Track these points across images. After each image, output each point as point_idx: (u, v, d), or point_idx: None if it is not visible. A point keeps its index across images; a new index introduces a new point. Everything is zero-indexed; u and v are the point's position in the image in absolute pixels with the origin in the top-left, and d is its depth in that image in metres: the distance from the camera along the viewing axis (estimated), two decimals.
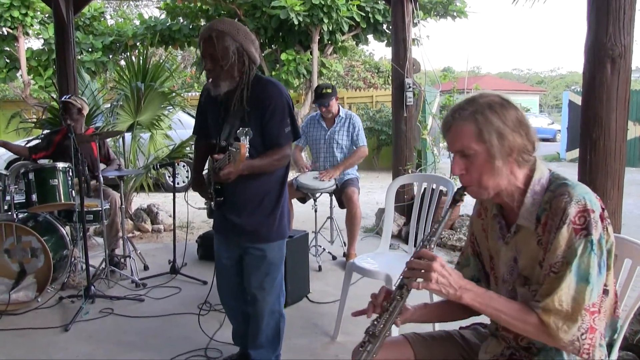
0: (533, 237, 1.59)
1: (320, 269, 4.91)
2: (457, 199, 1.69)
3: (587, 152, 2.84)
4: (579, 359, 1.52)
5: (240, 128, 2.38)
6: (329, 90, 5.15)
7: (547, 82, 61.76)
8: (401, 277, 1.63)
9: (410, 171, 6.11)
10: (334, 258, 5.28)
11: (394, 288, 1.67)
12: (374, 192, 9.82)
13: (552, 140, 25.48)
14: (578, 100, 14.88)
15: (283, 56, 11.89)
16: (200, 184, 2.85)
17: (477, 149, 1.56)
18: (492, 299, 1.55)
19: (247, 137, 2.35)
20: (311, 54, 12.06)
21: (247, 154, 2.29)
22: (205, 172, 2.92)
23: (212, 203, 2.74)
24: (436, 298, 2.09)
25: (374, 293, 1.74)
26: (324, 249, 5.26)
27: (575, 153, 15.36)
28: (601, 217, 1.49)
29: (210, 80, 2.56)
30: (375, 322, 1.64)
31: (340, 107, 5.29)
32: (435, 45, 40.55)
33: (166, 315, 3.90)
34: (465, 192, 1.66)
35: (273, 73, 12.13)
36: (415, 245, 3.56)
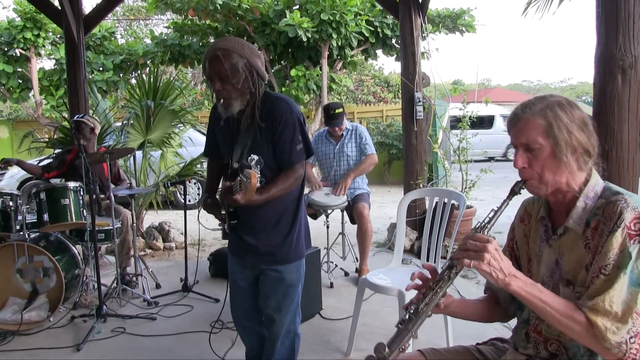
0: (580, 241, 1.60)
1: (332, 285, 4.88)
2: (515, 190, 1.68)
3: (601, 163, 2.80)
4: None
5: (252, 155, 2.34)
6: (340, 110, 5.14)
7: (558, 92, 61.50)
8: (451, 258, 1.62)
9: (421, 185, 6.09)
10: (347, 274, 5.25)
11: (440, 270, 1.67)
12: (386, 206, 9.80)
13: None
14: (589, 110, 14.77)
15: (293, 72, 11.93)
16: (213, 206, 2.73)
17: (543, 143, 1.58)
18: (540, 290, 1.54)
19: (259, 166, 2.31)
20: (320, 69, 12.09)
21: (259, 183, 2.25)
22: (218, 193, 2.85)
23: (226, 225, 2.68)
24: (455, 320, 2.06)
25: (419, 272, 1.74)
26: (336, 265, 5.23)
27: None
28: None
29: (222, 101, 2.47)
30: (419, 301, 1.63)
31: (346, 120, 5.28)
32: (445, 58, 40.58)
33: (178, 334, 3.88)
34: (524, 186, 1.66)
35: (283, 89, 12.17)
36: (427, 260, 3.53)
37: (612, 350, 1.46)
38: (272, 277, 2.65)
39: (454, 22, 12.54)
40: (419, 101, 6.04)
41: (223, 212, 2.63)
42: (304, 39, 10.90)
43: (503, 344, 1.91)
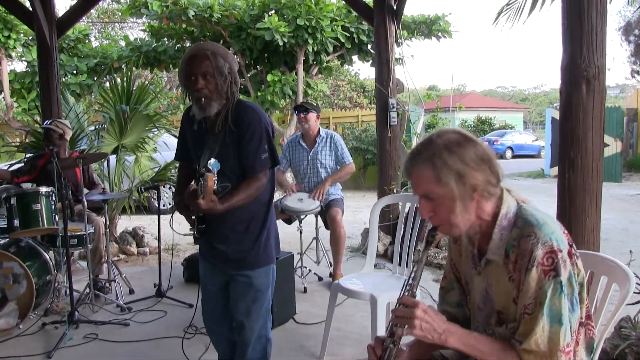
0: (504, 273, 1.63)
1: (305, 290, 4.90)
2: (429, 240, 1.72)
3: (566, 171, 2.88)
4: None
5: (211, 160, 2.40)
6: (308, 105, 5.25)
7: (531, 99, 62.52)
8: (390, 323, 1.65)
9: (395, 190, 6.15)
10: (320, 279, 5.28)
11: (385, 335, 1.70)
12: (361, 211, 9.84)
13: (536, 157, 25.76)
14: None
15: (269, 77, 11.94)
16: (185, 208, 2.73)
17: (439, 192, 1.57)
18: (477, 340, 1.60)
19: (216, 169, 2.37)
20: (296, 74, 12.13)
21: (215, 186, 2.31)
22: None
23: (195, 230, 2.69)
24: None
25: (369, 344, 1.75)
26: (310, 270, 5.26)
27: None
28: (569, 254, 1.53)
29: (202, 100, 2.48)
30: None
31: (320, 127, 5.33)
32: (420, 64, 40.94)
33: (151, 340, 3.86)
34: (437, 232, 1.69)
35: (259, 94, 12.17)
36: (400, 264, 3.58)
37: None
38: (242, 283, 2.67)
39: (429, 28, 12.65)
40: (393, 107, 6.11)
41: (193, 216, 2.64)
42: (280, 44, 10.91)
43: None
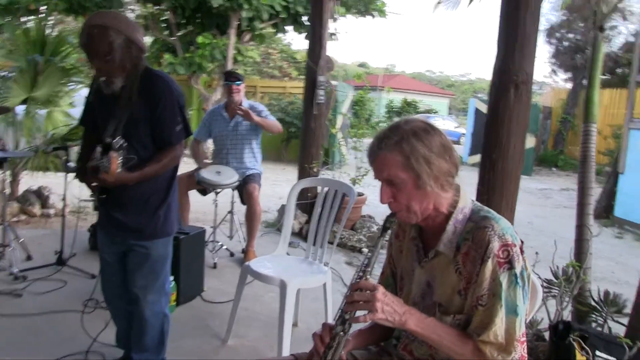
0: (451, 265, 1.63)
1: (215, 265, 4.79)
2: (387, 226, 1.69)
3: (486, 172, 2.91)
4: None
5: (117, 139, 2.31)
6: (239, 73, 5.10)
7: (457, 86, 64.17)
8: (340, 310, 1.62)
9: (315, 169, 6.10)
10: (232, 255, 5.17)
11: (334, 322, 1.65)
12: (279, 184, 9.76)
13: (456, 143, 26.44)
14: (483, 108, 15.53)
15: (199, 39, 11.56)
16: (86, 175, 2.58)
17: (404, 177, 1.57)
18: (435, 324, 1.58)
19: (122, 151, 2.30)
20: (228, 39, 11.79)
21: (119, 169, 2.29)
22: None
23: (96, 199, 2.59)
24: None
25: (316, 333, 1.70)
26: (222, 245, 5.12)
27: (477, 158, 16.01)
28: (521, 250, 1.56)
29: (104, 79, 2.41)
30: None
31: (245, 98, 5.17)
32: (353, 41, 41.01)
33: (47, 313, 3.61)
34: (395, 219, 1.67)
35: (187, 55, 11.77)
36: (314, 244, 3.53)
37: None
38: (139, 253, 2.63)
39: (366, 6, 12.62)
40: (321, 85, 6.03)
41: (93, 184, 2.52)
42: (215, 5, 10.54)
43: (376, 347, 1.93)
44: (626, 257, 6.67)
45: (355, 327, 1.67)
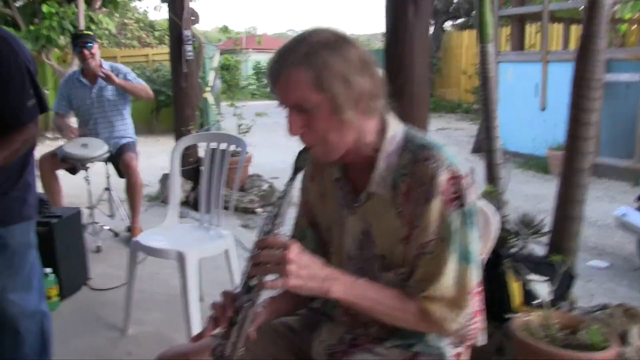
0: (390, 208, 1.33)
1: (99, 249, 4.28)
2: (299, 165, 1.34)
3: (394, 100, 2.67)
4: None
5: None
6: (90, 32, 4.47)
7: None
8: (244, 277, 1.26)
9: (194, 132, 5.66)
10: (116, 235, 4.67)
11: (237, 290, 1.29)
12: (155, 156, 9.11)
13: None
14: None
15: (44, 8, 10.36)
16: None
17: (317, 101, 1.23)
18: (367, 287, 1.28)
19: None
20: (77, 6, 10.70)
21: None
22: None
23: None
24: None
25: (215, 302, 1.32)
26: (103, 226, 4.60)
27: None
28: (470, 181, 1.29)
29: None
30: (223, 341, 1.25)
31: (102, 60, 4.58)
32: (210, 4, 39.68)
33: None
34: (308, 155, 1.33)
35: (32, 28, 10.59)
36: (207, 212, 3.17)
37: (451, 336, 1.32)
38: None
39: None
40: (189, 40, 5.54)
41: None
42: None
43: (314, 313, 1.61)
44: (512, 185, 6.90)
45: (267, 295, 1.35)
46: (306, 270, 1.20)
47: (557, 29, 10.85)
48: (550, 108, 8.02)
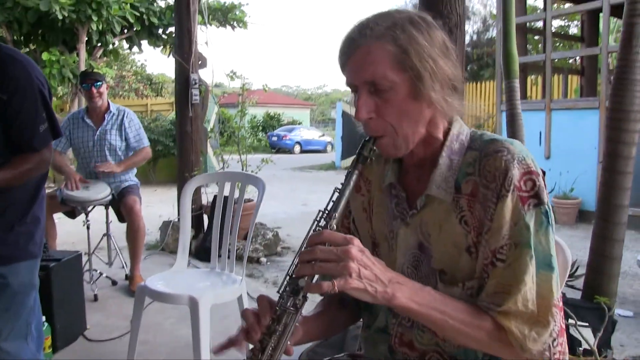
0: (451, 214, 1.13)
1: (96, 298, 3.99)
2: (365, 155, 1.13)
3: None
4: None
5: None
6: (100, 72, 4.33)
7: (314, 98, 65.45)
8: (289, 277, 1.06)
9: None
10: (114, 283, 4.39)
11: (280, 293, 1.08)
12: (153, 205, 8.86)
13: (323, 152, 26.73)
14: (351, 110, 15.61)
15: (44, 56, 10.29)
16: None
17: (396, 80, 1.06)
18: (436, 296, 1.07)
19: None
20: (78, 55, 10.67)
21: None
22: None
23: None
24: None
25: (247, 310, 1.12)
26: (101, 274, 4.30)
27: (349, 162, 16.01)
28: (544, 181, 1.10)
29: None
30: (258, 354, 1.04)
31: (110, 102, 4.42)
32: (210, 57, 40.24)
33: None
34: (376, 147, 1.13)
35: None
36: (219, 260, 2.94)
37: (533, 359, 1.05)
38: None
39: (224, 16, 12.09)
40: (195, 84, 5.41)
41: None
42: (59, 17, 9.39)
43: (347, 356, 1.40)
44: None
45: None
46: (369, 271, 1.01)
47: (555, 80, 10.98)
48: (554, 156, 7.93)
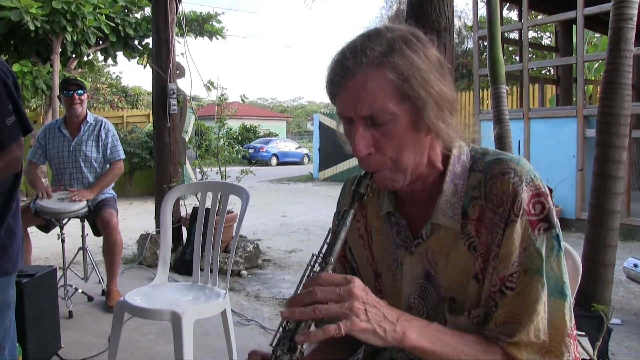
0: (458, 241, 1.06)
1: (71, 315, 3.83)
2: (361, 192, 1.06)
3: None
4: None
5: None
6: (83, 81, 4.21)
7: (289, 111, 65.58)
8: (283, 330, 0.97)
9: None
10: (91, 299, 4.23)
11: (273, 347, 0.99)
12: (130, 218, 8.72)
13: (300, 164, 26.66)
14: (328, 122, 15.59)
15: (16, 67, 10.06)
16: None
17: (397, 112, 0.98)
18: (442, 332, 0.99)
19: None
20: (51, 66, 10.46)
21: None
22: None
23: None
24: None
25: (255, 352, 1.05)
26: (76, 289, 4.13)
27: (327, 173, 16.04)
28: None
29: None
30: None
31: (88, 112, 4.30)
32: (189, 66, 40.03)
33: None
34: (372, 183, 1.06)
35: None
36: (200, 277, 2.84)
37: None
38: None
39: (201, 27, 12.01)
40: (173, 93, 5.31)
41: None
42: (32, 28, 9.20)
43: None
44: None
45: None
46: (375, 310, 0.94)
47: (532, 89, 11.10)
48: (533, 164, 7.71)
